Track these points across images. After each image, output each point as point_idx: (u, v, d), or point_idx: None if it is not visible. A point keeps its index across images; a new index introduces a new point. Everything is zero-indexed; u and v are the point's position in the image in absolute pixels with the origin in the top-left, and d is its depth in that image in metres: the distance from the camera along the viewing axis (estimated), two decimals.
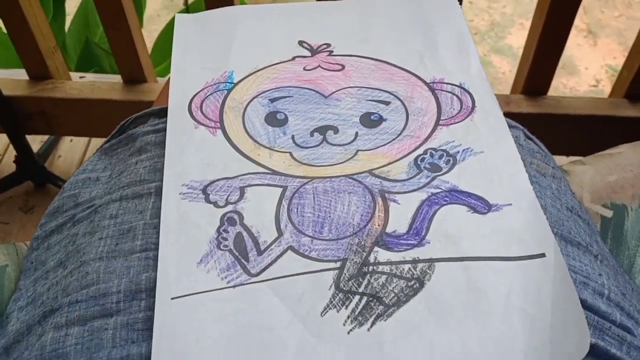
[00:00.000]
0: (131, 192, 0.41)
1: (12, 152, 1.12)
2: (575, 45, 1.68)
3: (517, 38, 1.73)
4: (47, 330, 0.35)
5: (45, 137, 1.20)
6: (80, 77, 1.05)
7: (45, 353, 0.34)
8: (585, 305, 0.34)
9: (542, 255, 0.34)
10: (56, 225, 0.43)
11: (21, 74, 1.02)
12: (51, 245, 0.42)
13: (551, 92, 0.97)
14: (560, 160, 1.13)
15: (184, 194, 0.39)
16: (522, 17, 1.80)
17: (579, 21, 1.56)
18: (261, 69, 0.48)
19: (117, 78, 1.02)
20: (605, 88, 1.57)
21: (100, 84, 1.01)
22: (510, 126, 0.45)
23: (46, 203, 0.46)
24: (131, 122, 0.48)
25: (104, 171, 0.45)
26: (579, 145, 1.01)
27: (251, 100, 0.45)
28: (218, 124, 0.44)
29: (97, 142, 1.20)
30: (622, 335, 0.34)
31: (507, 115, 0.44)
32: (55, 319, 0.36)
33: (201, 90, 0.46)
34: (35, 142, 1.18)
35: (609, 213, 0.54)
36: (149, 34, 1.60)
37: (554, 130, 0.96)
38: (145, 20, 1.54)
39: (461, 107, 0.44)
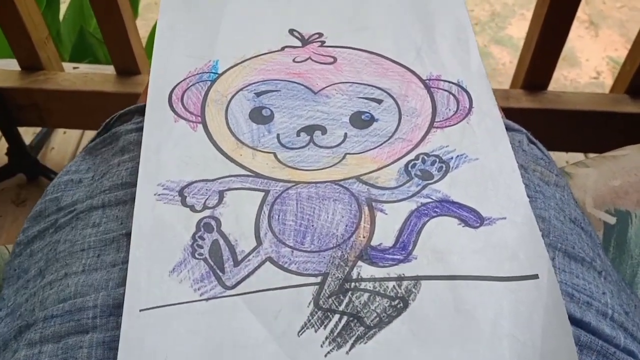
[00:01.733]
0: (114, 198, 0.38)
1: (3, 145, 1.10)
2: (577, 37, 1.65)
3: (518, 29, 1.70)
4: (21, 347, 0.33)
5: (38, 129, 1.17)
6: (74, 68, 1.03)
7: None
8: (589, 328, 0.32)
9: (535, 276, 0.32)
10: (38, 230, 0.41)
11: (13, 65, 0.99)
12: (34, 252, 0.40)
13: (552, 84, 0.96)
14: (560, 155, 1.12)
15: (159, 194, 0.37)
16: (524, 7, 1.76)
17: (580, 12, 1.53)
18: (248, 59, 0.45)
19: (111, 69, 1.00)
20: (606, 80, 1.55)
21: (93, 75, 0.98)
22: (512, 130, 0.42)
23: (38, 196, 0.44)
24: (116, 120, 0.45)
25: (87, 172, 0.43)
26: (579, 141, 0.99)
27: (236, 94, 0.43)
28: (199, 118, 0.41)
29: (90, 134, 1.18)
30: None
31: (506, 111, 0.42)
32: (30, 334, 0.34)
33: (183, 81, 0.44)
34: (28, 134, 1.15)
35: (612, 220, 0.52)
36: (146, 22, 1.56)
37: (554, 126, 0.94)
38: (141, 8, 1.50)
39: (457, 108, 0.41)
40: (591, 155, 1.05)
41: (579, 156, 1.12)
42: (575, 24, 0.86)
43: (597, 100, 0.95)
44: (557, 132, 0.95)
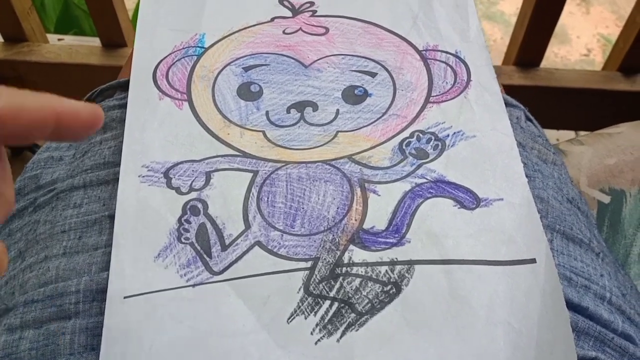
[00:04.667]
0: (95, 178, 0.37)
1: None
2: (568, 13, 1.63)
3: (510, 5, 1.67)
4: (0, 332, 0.32)
5: None
6: (59, 40, 1.00)
7: None
8: (586, 313, 0.31)
9: (533, 260, 0.31)
10: (17, 209, 0.39)
11: None
12: (12, 231, 0.39)
13: (542, 61, 0.94)
14: (550, 133, 1.11)
15: (143, 176, 0.35)
16: None
17: None
18: (236, 32, 0.43)
19: (96, 41, 0.97)
20: (597, 58, 1.54)
21: (78, 47, 0.95)
22: (511, 105, 0.41)
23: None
24: (97, 95, 0.44)
25: (68, 149, 0.41)
26: (571, 119, 0.99)
27: (223, 69, 0.41)
28: (185, 95, 0.40)
29: None
30: (623, 346, 0.32)
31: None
32: (10, 319, 0.33)
33: (168, 56, 0.42)
34: None
35: (606, 199, 0.51)
36: None
37: (546, 103, 0.93)
38: None
39: (455, 81, 0.40)
40: (582, 133, 1.04)
41: (569, 134, 1.12)
42: (567, 1, 0.84)
43: (590, 77, 0.95)
44: (548, 110, 0.94)
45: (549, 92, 0.93)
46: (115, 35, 0.93)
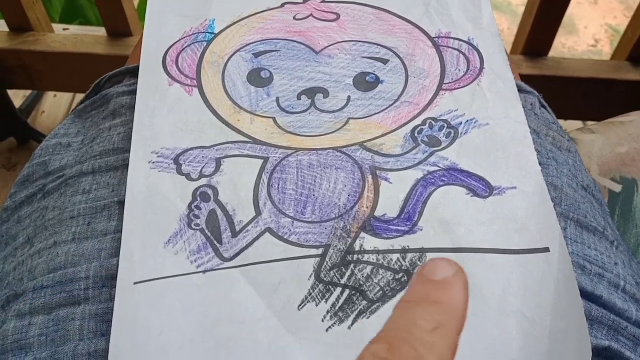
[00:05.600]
0: (105, 164, 0.37)
1: None
2: (576, 4, 1.61)
3: None
4: (9, 318, 0.32)
5: (28, 93, 1.14)
6: (64, 29, 0.99)
7: (7, 344, 0.31)
8: (600, 302, 0.31)
9: (546, 250, 0.31)
10: (26, 196, 0.39)
11: (1, 26, 0.96)
12: (22, 218, 0.39)
13: (550, 52, 0.93)
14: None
15: (153, 162, 0.35)
16: None
17: None
18: (246, 18, 0.43)
19: (102, 31, 0.96)
20: (605, 48, 1.52)
21: (84, 37, 0.95)
22: (525, 92, 0.41)
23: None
24: (106, 81, 0.43)
25: (76, 136, 0.41)
26: (579, 109, 0.98)
27: (233, 55, 0.41)
28: (195, 81, 0.39)
29: (81, 98, 1.14)
30: (638, 335, 0.32)
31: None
32: (19, 305, 0.33)
33: (178, 42, 0.41)
34: (18, 97, 1.12)
35: (617, 187, 0.51)
36: None
37: (554, 93, 0.93)
38: None
39: (468, 69, 0.39)
40: (590, 123, 1.03)
41: (577, 124, 1.11)
42: None
43: (599, 67, 0.93)
44: (556, 99, 0.93)
45: (557, 81, 0.92)
46: (121, 25, 0.93)
